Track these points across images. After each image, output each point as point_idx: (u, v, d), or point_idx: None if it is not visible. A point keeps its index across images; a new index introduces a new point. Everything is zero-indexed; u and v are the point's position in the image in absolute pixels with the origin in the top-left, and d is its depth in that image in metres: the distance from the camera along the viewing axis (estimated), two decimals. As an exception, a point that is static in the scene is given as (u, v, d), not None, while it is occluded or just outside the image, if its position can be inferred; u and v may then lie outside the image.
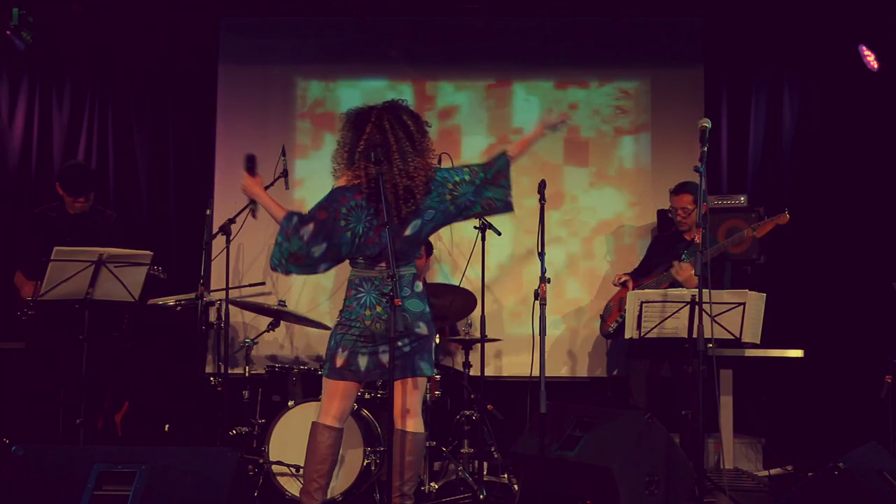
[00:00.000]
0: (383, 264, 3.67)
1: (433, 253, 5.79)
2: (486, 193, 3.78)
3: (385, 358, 3.66)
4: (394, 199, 3.61)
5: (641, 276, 5.19)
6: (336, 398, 3.73)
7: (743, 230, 5.00)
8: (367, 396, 4.85)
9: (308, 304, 5.97)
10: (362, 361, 3.68)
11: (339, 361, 3.69)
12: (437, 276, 6.07)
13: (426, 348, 3.76)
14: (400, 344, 3.66)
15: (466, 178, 3.75)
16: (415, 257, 3.82)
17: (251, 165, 3.80)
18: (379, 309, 3.66)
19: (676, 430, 4.69)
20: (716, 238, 5.36)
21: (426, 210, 3.70)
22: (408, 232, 3.70)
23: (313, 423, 3.77)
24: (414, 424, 3.75)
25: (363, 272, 3.72)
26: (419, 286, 3.79)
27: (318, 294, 6.05)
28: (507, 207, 3.84)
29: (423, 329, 3.72)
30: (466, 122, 6.19)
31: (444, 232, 6.06)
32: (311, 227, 3.61)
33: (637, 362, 5.08)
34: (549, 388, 3.91)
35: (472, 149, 6.14)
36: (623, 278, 5.17)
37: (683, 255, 4.99)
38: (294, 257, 3.63)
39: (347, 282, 3.77)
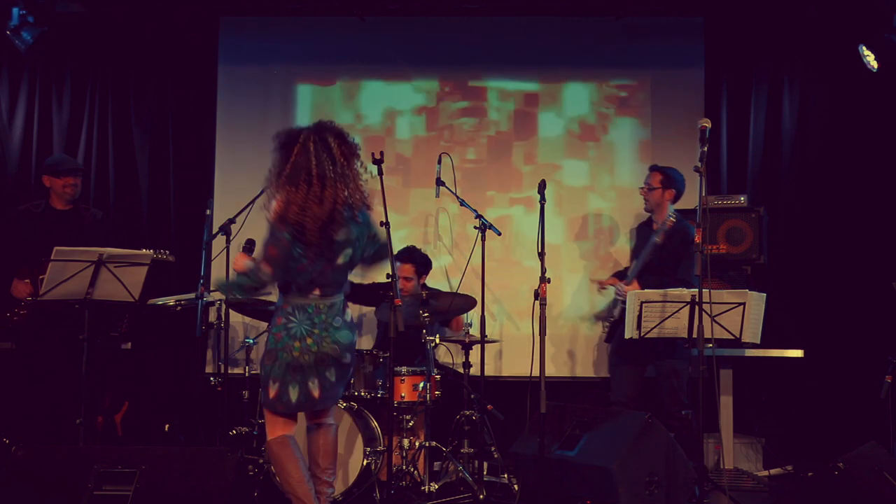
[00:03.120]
0: (317, 292, 3.72)
1: (429, 270, 5.68)
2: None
3: (315, 390, 3.71)
4: (311, 224, 3.60)
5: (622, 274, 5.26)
6: (276, 425, 3.77)
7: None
8: (367, 396, 4.85)
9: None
10: (293, 394, 3.69)
11: (272, 393, 3.71)
12: (438, 276, 6.06)
13: (347, 377, 3.89)
14: (328, 374, 3.73)
15: (370, 241, 3.84)
16: (344, 284, 3.85)
17: (249, 248, 3.93)
18: (309, 341, 3.68)
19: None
20: (716, 237, 5.37)
21: (355, 241, 3.73)
22: (340, 260, 3.73)
23: (266, 443, 3.82)
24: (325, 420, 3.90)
25: (296, 300, 3.73)
26: (349, 315, 3.85)
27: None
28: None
29: (348, 359, 3.80)
30: (465, 121, 6.18)
31: (443, 232, 6.07)
32: (266, 267, 3.64)
33: (621, 361, 5.08)
34: (549, 388, 3.91)
35: (469, 149, 6.14)
36: (608, 283, 5.22)
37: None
38: (247, 289, 3.71)
39: (278, 308, 3.78)
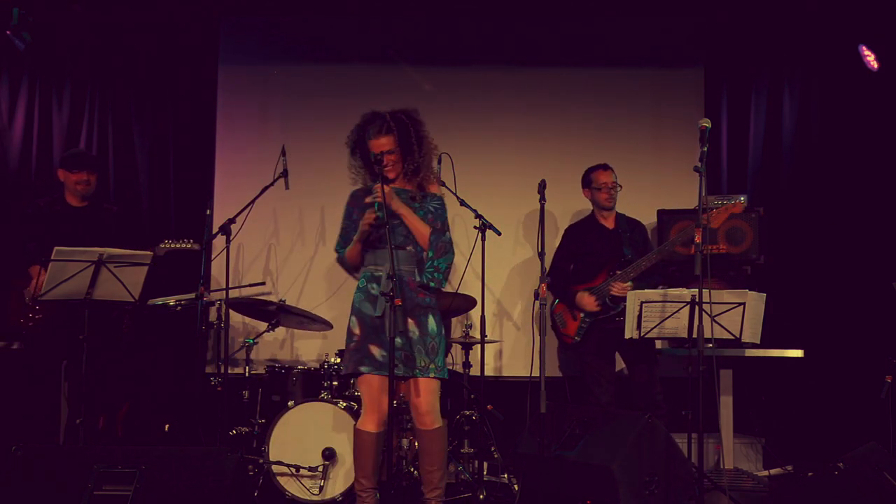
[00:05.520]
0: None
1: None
2: None
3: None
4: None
5: (582, 277, 5.18)
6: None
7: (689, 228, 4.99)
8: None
9: (307, 305, 5.95)
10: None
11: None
12: (437, 276, 6.06)
13: None
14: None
15: None
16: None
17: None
18: None
19: None
20: (716, 237, 5.36)
21: None
22: None
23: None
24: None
25: None
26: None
27: (318, 293, 6.03)
28: None
29: None
30: (465, 121, 6.18)
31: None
32: None
33: (594, 361, 5.09)
34: (549, 388, 3.91)
35: (470, 149, 6.13)
36: (590, 304, 5.09)
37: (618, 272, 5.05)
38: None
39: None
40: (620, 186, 5.27)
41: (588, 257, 5.19)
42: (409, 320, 3.89)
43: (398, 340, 3.80)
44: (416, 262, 3.94)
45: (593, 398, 5.04)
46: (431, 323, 3.93)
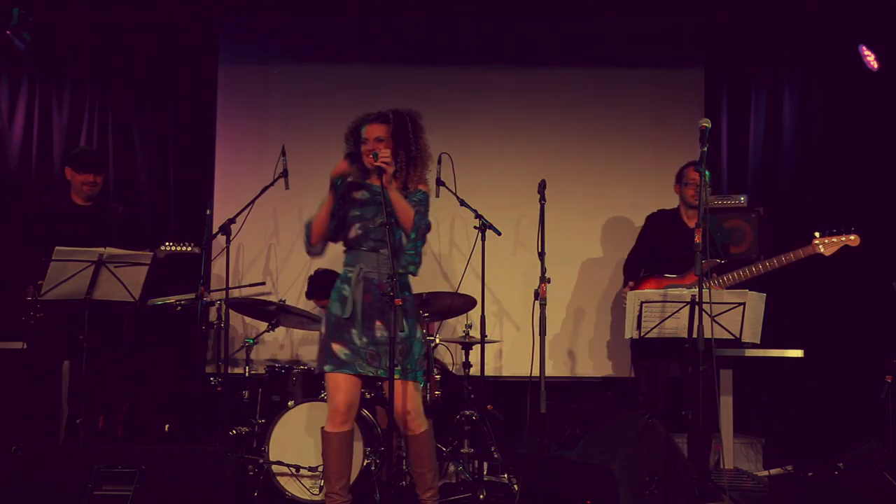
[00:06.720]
0: None
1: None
2: None
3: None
4: None
5: (671, 268, 5.10)
6: None
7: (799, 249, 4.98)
8: (367, 396, 4.84)
9: (307, 305, 5.95)
10: None
11: None
12: (437, 276, 6.06)
13: None
14: None
15: None
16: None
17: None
18: None
19: (686, 430, 4.65)
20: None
21: None
22: None
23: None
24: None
25: None
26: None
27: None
28: None
29: None
30: (465, 121, 6.18)
31: (443, 232, 6.07)
32: None
33: (645, 363, 5.02)
34: (549, 388, 3.91)
35: (470, 149, 6.14)
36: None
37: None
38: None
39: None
40: (710, 188, 5.10)
41: (671, 254, 5.09)
42: (377, 322, 3.86)
43: (363, 339, 3.83)
44: (388, 265, 3.84)
45: (644, 399, 4.93)
46: (402, 325, 3.87)
